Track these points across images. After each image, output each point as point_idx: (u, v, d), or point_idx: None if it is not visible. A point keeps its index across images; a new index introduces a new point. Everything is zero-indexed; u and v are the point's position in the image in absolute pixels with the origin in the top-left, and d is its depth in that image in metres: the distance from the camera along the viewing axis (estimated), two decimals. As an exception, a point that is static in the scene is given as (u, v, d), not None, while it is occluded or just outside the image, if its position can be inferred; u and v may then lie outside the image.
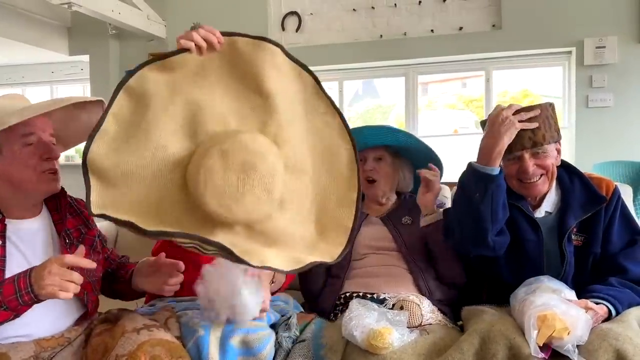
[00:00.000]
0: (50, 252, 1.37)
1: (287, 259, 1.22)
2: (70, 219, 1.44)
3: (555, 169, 1.55)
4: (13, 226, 1.32)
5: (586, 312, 1.30)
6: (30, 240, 1.35)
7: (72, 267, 1.17)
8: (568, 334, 1.23)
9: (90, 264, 1.19)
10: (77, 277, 1.15)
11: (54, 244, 1.39)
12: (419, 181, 1.85)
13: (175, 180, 1.18)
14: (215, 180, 1.13)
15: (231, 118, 1.25)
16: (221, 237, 1.16)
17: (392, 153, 1.84)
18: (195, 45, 1.24)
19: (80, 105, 1.40)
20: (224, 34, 1.29)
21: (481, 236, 1.49)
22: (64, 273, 1.14)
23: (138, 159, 1.17)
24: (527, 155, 1.50)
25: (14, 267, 1.26)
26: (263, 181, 1.16)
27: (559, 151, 1.57)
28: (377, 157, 1.83)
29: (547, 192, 1.57)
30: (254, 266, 1.16)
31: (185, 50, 1.24)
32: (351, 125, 1.38)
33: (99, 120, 1.17)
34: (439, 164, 1.84)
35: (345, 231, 1.31)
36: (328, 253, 1.28)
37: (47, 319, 1.32)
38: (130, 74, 1.21)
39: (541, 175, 1.53)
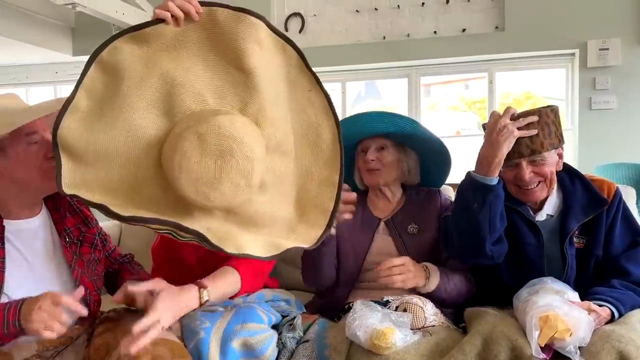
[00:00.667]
0: (50, 251, 1.37)
1: (265, 244, 1.18)
2: (69, 218, 1.44)
3: (554, 176, 1.54)
4: (12, 227, 1.32)
5: (589, 314, 1.30)
6: (30, 240, 1.34)
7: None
8: (570, 335, 1.23)
9: (82, 311, 1.16)
10: (65, 319, 1.13)
11: (54, 243, 1.39)
12: (426, 174, 1.83)
13: (150, 160, 1.13)
14: (191, 166, 1.08)
15: (209, 96, 1.18)
16: (198, 220, 1.13)
17: (395, 142, 1.74)
18: (172, 15, 1.15)
19: None
20: (202, 3, 1.18)
21: (479, 245, 1.48)
22: (53, 312, 1.11)
23: (111, 138, 1.11)
24: (524, 163, 1.48)
25: (13, 269, 1.27)
26: (241, 167, 1.10)
27: (560, 156, 1.56)
28: (380, 147, 1.74)
29: (548, 195, 1.56)
30: (229, 253, 1.12)
31: (161, 21, 1.15)
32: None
33: (70, 95, 1.12)
34: (446, 156, 1.79)
35: (325, 213, 1.27)
36: (307, 236, 1.24)
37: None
38: (103, 46, 1.13)
39: (539, 183, 1.52)
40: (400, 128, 1.69)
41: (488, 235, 1.46)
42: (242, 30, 1.18)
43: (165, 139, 1.14)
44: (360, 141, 1.77)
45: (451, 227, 1.58)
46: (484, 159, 1.45)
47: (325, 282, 1.75)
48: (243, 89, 1.20)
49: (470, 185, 1.48)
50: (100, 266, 1.46)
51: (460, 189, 1.53)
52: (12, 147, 1.28)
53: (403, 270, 1.55)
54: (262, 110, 1.19)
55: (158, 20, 1.16)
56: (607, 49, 4.08)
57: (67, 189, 1.10)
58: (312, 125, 1.30)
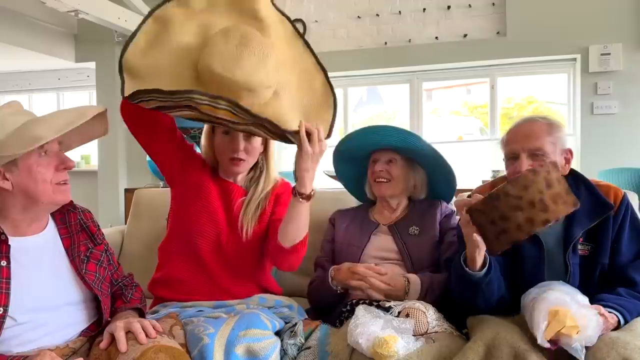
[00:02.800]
0: (57, 268, 1.35)
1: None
2: (77, 234, 1.42)
3: None
4: (18, 244, 1.29)
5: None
6: (37, 257, 1.32)
7: None
8: (577, 332, 1.21)
9: None
10: None
11: (61, 260, 1.37)
12: (433, 188, 1.89)
13: (191, 63, 1.43)
14: (218, 47, 1.39)
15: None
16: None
17: (404, 157, 1.83)
18: None
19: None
20: None
21: (477, 311, 1.49)
22: None
23: (162, 53, 1.45)
24: (524, 155, 1.48)
25: (18, 288, 1.25)
26: (258, 50, 1.39)
27: (567, 160, 1.54)
28: (389, 160, 1.83)
29: None
30: (261, 117, 1.36)
31: None
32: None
33: (132, 36, 1.48)
34: (451, 174, 1.85)
35: (325, 124, 1.53)
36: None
37: (53, 336, 1.30)
38: (158, 6, 1.52)
39: None
40: (408, 144, 1.76)
41: (485, 307, 1.47)
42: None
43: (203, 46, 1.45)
44: (373, 152, 1.85)
45: (450, 287, 1.58)
46: (467, 254, 1.44)
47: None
48: (259, 28, 1.50)
49: (461, 280, 1.47)
50: (106, 284, 1.45)
51: (452, 280, 1.53)
52: (23, 160, 1.26)
53: (385, 279, 1.61)
54: (273, 46, 1.49)
55: None
56: (609, 54, 4.08)
57: (130, 99, 1.41)
58: (306, 69, 1.59)
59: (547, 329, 1.22)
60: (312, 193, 1.52)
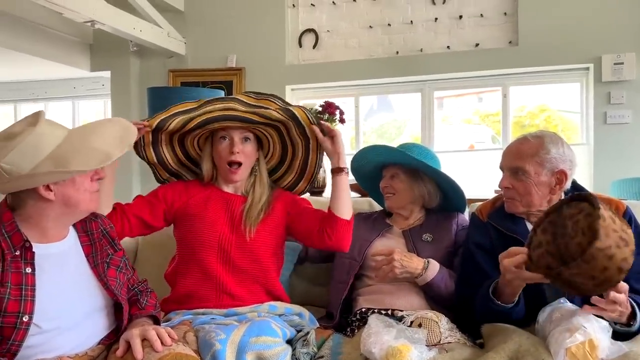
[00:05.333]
0: (80, 274, 1.37)
1: None
2: (98, 241, 1.44)
3: (532, 197, 1.57)
4: (42, 251, 1.30)
5: (621, 294, 1.29)
6: (60, 263, 1.33)
7: None
8: None
9: None
10: None
11: (82, 266, 1.39)
12: (445, 197, 1.91)
13: None
14: None
15: None
16: None
17: (407, 170, 1.88)
18: None
19: None
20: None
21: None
22: None
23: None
24: (506, 172, 1.60)
25: (43, 296, 1.26)
26: None
27: (559, 181, 1.56)
28: (391, 175, 1.90)
29: None
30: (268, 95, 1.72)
31: None
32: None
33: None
34: (454, 189, 1.86)
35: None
36: None
37: (76, 342, 1.31)
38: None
39: (513, 198, 1.59)
40: (394, 159, 1.89)
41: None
42: None
43: None
44: (382, 169, 1.95)
45: (473, 309, 1.57)
46: (506, 292, 1.44)
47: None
48: None
49: (490, 310, 1.47)
50: (124, 290, 1.46)
51: (480, 306, 1.52)
52: None
53: (389, 260, 1.65)
54: None
55: None
56: (622, 63, 4.06)
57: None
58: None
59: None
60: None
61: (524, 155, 1.57)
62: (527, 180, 1.56)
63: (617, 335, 1.33)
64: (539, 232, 1.34)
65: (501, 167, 1.66)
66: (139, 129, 1.63)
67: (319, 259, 2.04)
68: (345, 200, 1.71)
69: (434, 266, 1.69)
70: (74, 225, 1.43)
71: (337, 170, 1.73)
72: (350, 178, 2.22)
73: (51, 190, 1.28)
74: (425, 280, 1.67)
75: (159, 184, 1.88)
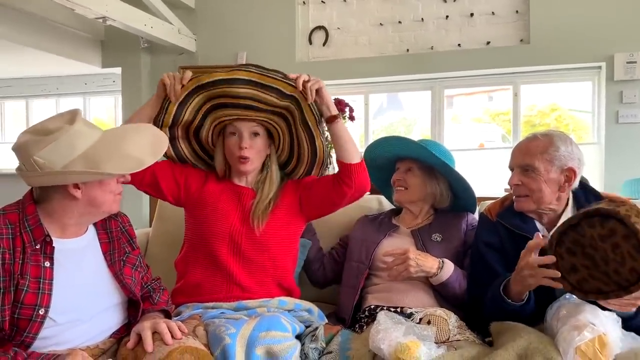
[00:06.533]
0: (96, 271, 1.39)
1: None
2: (116, 239, 1.46)
3: (543, 194, 1.57)
4: (61, 246, 1.32)
5: None
6: (78, 259, 1.35)
7: None
8: None
9: None
10: None
11: (100, 263, 1.41)
12: (457, 197, 1.90)
13: None
14: None
15: None
16: None
17: (423, 166, 1.86)
18: None
19: None
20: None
21: None
22: None
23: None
24: (517, 170, 1.60)
25: (60, 290, 1.28)
26: None
27: (568, 179, 1.57)
28: (407, 169, 1.88)
29: (563, 212, 1.59)
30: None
31: None
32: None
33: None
34: (466, 190, 1.85)
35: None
36: None
37: (88, 336, 1.33)
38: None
39: (525, 195, 1.59)
40: (411, 153, 1.85)
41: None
42: None
43: None
44: (397, 161, 1.92)
45: (483, 309, 1.58)
46: (515, 291, 1.45)
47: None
48: None
49: (503, 310, 1.48)
50: (138, 287, 1.48)
51: (491, 311, 1.53)
52: None
53: (403, 259, 1.63)
54: None
55: None
56: (635, 62, 4.03)
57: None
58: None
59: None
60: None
61: (534, 153, 1.58)
62: (537, 177, 1.57)
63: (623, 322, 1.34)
64: (564, 254, 1.32)
65: (511, 167, 1.66)
66: (172, 84, 1.66)
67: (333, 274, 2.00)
68: (350, 144, 1.72)
69: (449, 266, 1.68)
70: (94, 224, 1.45)
71: (331, 119, 1.72)
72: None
73: (79, 189, 1.30)
74: (440, 280, 1.66)
75: None
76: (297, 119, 1.76)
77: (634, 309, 1.33)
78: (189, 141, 1.85)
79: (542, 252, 1.37)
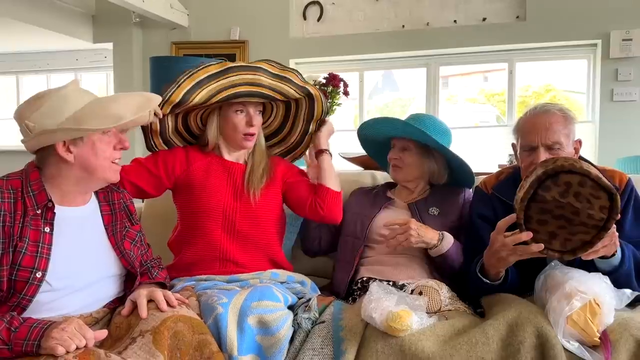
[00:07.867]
0: (96, 241, 1.41)
1: None
2: (118, 212, 1.48)
3: None
4: (63, 213, 1.35)
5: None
6: (78, 228, 1.38)
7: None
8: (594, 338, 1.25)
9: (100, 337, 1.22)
10: (81, 344, 1.14)
11: (100, 233, 1.43)
12: (453, 172, 1.89)
13: None
14: None
15: None
16: None
17: (419, 145, 1.85)
18: None
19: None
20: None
21: None
22: (74, 334, 1.13)
23: None
24: (542, 149, 1.52)
25: (58, 255, 1.30)
26: None
27: (577, 150, 1.60)
28: (403, 147, 1.87)
29: None
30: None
31: None
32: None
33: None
34: (463, 166, 1.84)
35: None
36: None
37: (83, 304, 1.34)
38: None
39: None
40: (408, 134, 1.83)
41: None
42: None
43: None
44: (392, 138, 1.91)
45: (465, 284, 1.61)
46: (490, 266, 1.46)
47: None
48: None
49: (481, 287, 1.50)
50: (137, 263, 1.49)
51: (471, 287, 1.55)
52: (89, 136, 1.34)
53: (405, 229, 1.63)
54: None
55: None
56: (631, 39, 4.00)
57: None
58: None
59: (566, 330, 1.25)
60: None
61: (557, 129, 1.55)
62: (562, 151, 1.55)
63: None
64: (537, 227, 1.33)
65: (531, 145, 1.57)
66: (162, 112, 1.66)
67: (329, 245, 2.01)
68: (332, 175, 1.82)
69: (449, 238, 1.68)
70: (97, 194, 1.47)
71: (321, 152, 1.87)
72: (355, 152, 2.22)
73: (70, 152, 1.32)
74: (440, 252, 1.66)
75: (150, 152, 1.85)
76: (303, 110, 1.85)
77: (616, 248, 1.36)
78: (175, 116, 1.79)
79: (512, 227, 1.37)
